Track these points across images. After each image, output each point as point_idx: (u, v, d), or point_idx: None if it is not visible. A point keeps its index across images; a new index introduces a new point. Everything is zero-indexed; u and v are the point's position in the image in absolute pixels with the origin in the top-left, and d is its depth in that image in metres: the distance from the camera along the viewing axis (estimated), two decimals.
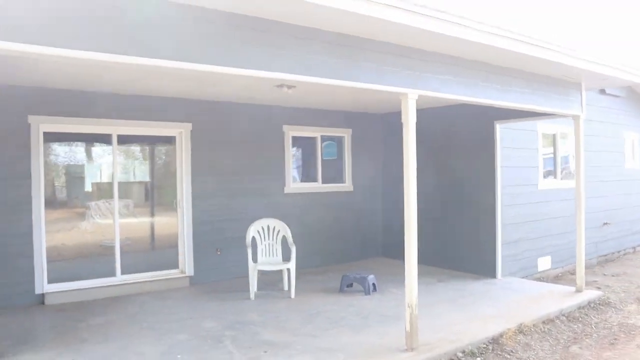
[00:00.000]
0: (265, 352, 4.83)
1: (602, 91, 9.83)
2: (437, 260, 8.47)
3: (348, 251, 9.13)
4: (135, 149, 7.59)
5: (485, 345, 5.10)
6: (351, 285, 7.05)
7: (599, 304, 6.65)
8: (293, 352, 4.81)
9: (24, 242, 6.40)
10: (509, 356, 4.97)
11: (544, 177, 8.49)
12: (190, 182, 7.48)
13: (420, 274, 7.99)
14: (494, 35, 4.78)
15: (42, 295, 6.51)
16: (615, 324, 6.01)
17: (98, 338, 5.25)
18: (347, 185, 9.19)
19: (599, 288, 7.55)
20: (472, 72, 5.38)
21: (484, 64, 5.51)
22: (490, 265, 7.72)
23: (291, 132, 8.44)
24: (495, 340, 5.21)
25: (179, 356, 4.76)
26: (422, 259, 8.71)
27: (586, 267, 9.02)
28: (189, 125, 7.43)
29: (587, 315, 6.25)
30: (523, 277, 7.92)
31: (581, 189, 6.88)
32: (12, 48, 2.85)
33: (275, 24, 3.88)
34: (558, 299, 6.55)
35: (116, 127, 6.97)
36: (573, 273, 8.71)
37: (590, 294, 6.80)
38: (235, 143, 7.88)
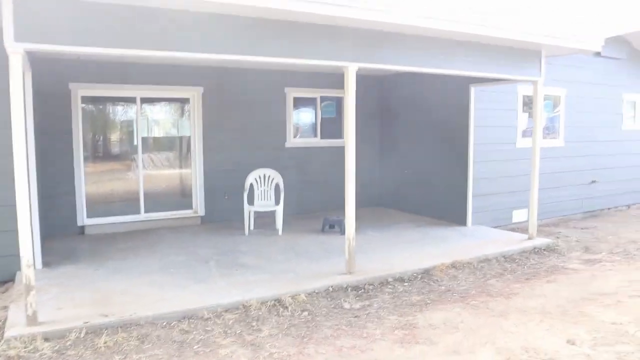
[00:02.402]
0: (237, 270, 6.22)
1: (597, 53, 10.26)
2: (421, 209, 9.61)
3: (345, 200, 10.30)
4: (156, 109, 9.02)
5: (416, 275, 6.24)
6: (333, 226, 8.28)
7: (544, 250, 7.56)
8: (257, 271, 6.16)
9: (68, 184, 8.02)
10: (433, 283, 6.10)
11: (523, 136, 9.24)
12: (202, 137, 8.86)
13: (405, 220, 9.28)
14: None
15: (83, 227, 8.17)
16: (547, 265, 6.96)
17: (120, 256, 6.85)
18: (344, 140, 10.27)
19: (557, 237, 8.42)
20: (416, 45, 6.31)
21: (433, 39, 6.42)
22: (461, 214, 8.74)
23: (292, 93, 9.64)
24: (426, 271, 6.34)
25: (172, 270, 6.23)
26: (409, 208, 9.99)
27: (567, 221, 9.91)
28: (200, 89, 8.75)
29: (526, 258, 7.22)
30: (495, 227, 8.86)
31: (537, 147, 7.68)
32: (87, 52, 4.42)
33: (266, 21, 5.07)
34: (506, 244, 7.53)
35: (139, 91, 8.39)
36: (549, 225, 9.60)
37: (540, 241, 7.71)
38: (241, 103, 9.16)
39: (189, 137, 8.97)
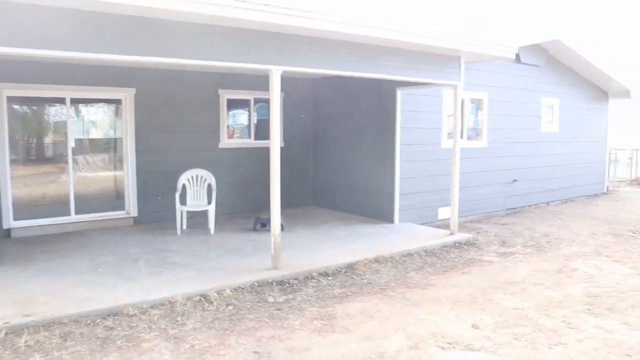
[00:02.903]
0: (166, 268, 6.32)
1: (518, 60, 10.91)
2: (351, 208, 9.95)
3: (280, 200, 10.55)
4: (88, 110, 8.96)
5: (340, 269, 6.53)
6: (265, 225, 8.47)
7: (464, 244, 8.03)
8: (187, 269, 6.29)
9: None
10: (356, 277, 6.40)
11: (448, 137, 9.73)
12: (135, 138, 8.86)
13: (335, 218, 9.56)
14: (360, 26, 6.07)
15: (9, 229, 8.01)
16: (465, 259, 7.41)
17: (47, 258, 6.79)
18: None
19: (478, 233, 8.94)
20: (341, 50, 6.60)
21: (357, 44, 6.73)
22: (389, 212, 9.12)
23: (226, 95, 9.77)
24: (350, 266, 6.64)
25: (100, 269, 6.26)
26: (340, 207, 10.29)
27: (490, 217, 10.47)
28: (133, 90, 8.75)
29: (447, 252, 7.65)
30: (421, 224, 9.28)
31: (457, 148, 8.14)
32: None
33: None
34: (429, 239, 7.94)
35: (69, 92, 8.32)
36: (472, 222, 10.14)
37: (461, 237, 8.17)
38: (175, 104, 9.22)
39: (122, 138, 8.95)
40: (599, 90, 13.62)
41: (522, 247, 8.12)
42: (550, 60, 11.86)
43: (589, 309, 5.37)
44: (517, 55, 10.51)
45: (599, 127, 13.86)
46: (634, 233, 9.17)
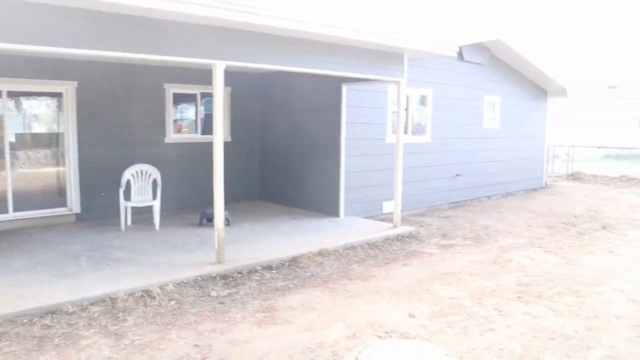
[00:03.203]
0: (108, 264, 6.26)
1: (461, 58, 11.26)
2: (298, 202, 10.06)
3: (226, 194, 10.54)
4: (28, 103, 8.69)
5: (284, 263, 6.62)
6: (211, 220, 8.45)
7: (406, 237, 8.27)
8: (130, 264, 6.24)
9: None
10: (299, 270, 6.51)
11: (393, 132, 9.95)
12: (77, 133, 8.67)
13: (281, 213, 9.64)
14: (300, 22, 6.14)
15: None
16: (407, 251, 7.64)
17: None
18: (225, 136, 10.51)
19: (421, 226, 9.20)
20: (283, 46, 6.66)
21: (302, 40, 6.80)
22: (334, 206, 9.28)
23: (172, 89, 9.68)
24: (294, 259, 6.74)
25: (39, 267, 6.13)
26: (287, 201, 10.38)
27: (434, 211, 10.76)
28: (74, 83, 8.55)
29: (389, 244, 7.86)
30: (367, 218, 9.49)
31: (400, 143, 8.35)
32: None
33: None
34: (372, 232, 8.12)
35: (5, 85, 8.05)
36: (416, 215, 10.42)
37: (403, 230, 8.41)
38: (119, 98, 9.06)
39: (63, 132, 8.74)
40: (538, 89, 14.20)
41: (461, 240, 8.42)
42: (492, 59, 12.28)
43: (519, 297, 5.67)
44: (461, 54, 10.88)
45: (538, 125, 14.45)
46: (567, 225, 9.66)
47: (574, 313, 5.21)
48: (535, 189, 14.54)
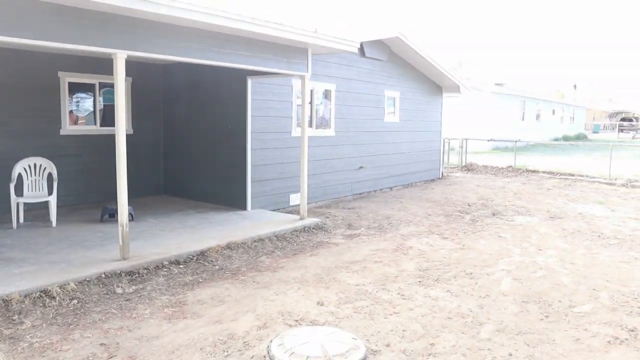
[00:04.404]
0: None
1: (363, 54, 11.62)
2: (203, 196, 9.95)
3: (129, 189, 10.16)
4: None
5: (191, 257, 6.54)
6: (113, 215, 8.15)
7: (314, 228, 8.45)
8: (24, 264, 5.87)
9: None
10: (208, 264, 6.47)
11: (298, 126, 10.09)
12: None
13: (187, 207, 9.47)
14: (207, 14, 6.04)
15: None
16: (314, 242, 7.81)
17: None
18: (127, 128, 10.14)
19: (327, 217, 9.44)
20: (188, 36, 6.54)
21: (205, 32, 6.71)
22: (242, 199, 9.27)
23: (67, 78, 9.16)
24: (202, 253, 6.68)
25: None
26: (193, 196, 10.23)
27: (338, 202, 11.03)
28: None
29: (297, 236, 8.00)
30: (274, 210, 9.57)
31: (305, 136, 8.49)
32: None
33: None
34: (280, 224, 8.22)
35: None
36: (322, 207, 10.65)
37: (310, 221, 8.58)
38: (7, 87, 8.43)
39: None
40: (435, 85, 14.98)
41: (366, 229, 8.75)
42: (392, 56, 12.79)
43: (420, 282, 6.01)
44: (362, 50, 11.23)
45: (435, 119, 15.26)
46: (462, 213, 10.32)
47: (468, 293, 5.62)
48: (433, 180, 15.36)
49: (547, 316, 5.00)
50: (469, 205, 11.17)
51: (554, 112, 39.32)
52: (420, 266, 6.65)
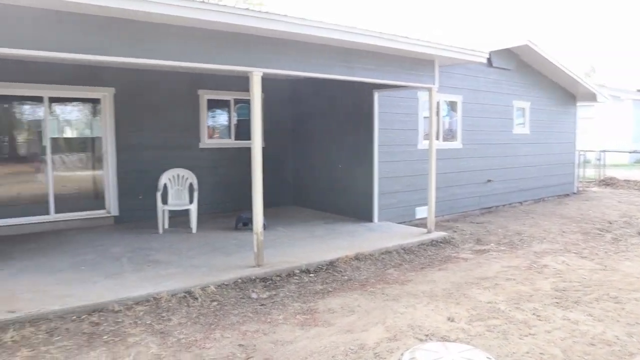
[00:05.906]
0: (149, 265, 6.41)
1: (489, 64, 11.25)
2: (330, 207, 10.15)
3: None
4: (67, 109, 8.96)
5: (321, 267, 6.69)
6: (247, 224, 8.59)
7: (441, 242, 8.27)
8: (169, 266, 6.38)
9: None
10: (337, 274, 6.57)
11: (425, 138, 9.97)
12: (115, 138, 8.90)
13: (315, 217, 9.75)
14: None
15: None
16: (442, 256, 7.64)
17: (26, 257, 6.81)
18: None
19: (454, 231, 9.19)
20: (319, 53, 6.76)
21: (334, 48, 6.90)
22: (368, 211, 9.33)
23: (206, 95, 9.88)
24: (331, 263, 6.80)
25: (82, 267, 6.32)
26: (321, 206, 10.48)
27: (466, 216, 10.73)
28: (112, 90, 8.79)
29: (424, 249, 7.87)
30: (400, 223, 9.51)
31: (433, 149, 8.37)
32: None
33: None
34: (407, 237, 8.15)
35: (47, 91, 8.33)
36: (449, 221, 10.40)
37: (437, 235, 8.41)
38: (155, 104, 9.29)
39: (101, 137, 8.98)
40: (567, 94, 14.07)
41: (495, 245, 8.39)
42: (520, 65, 12.23)
43: (557, 302, 5.63)
44: (489, 60, 10.87)
45: (568, 129, 14.31)
46: (601, 231, 9.54)
47: (613, 319, 5.16)
48: (567, 195, 14.38)
49: None
50: (610, 223, 10.29)
51: None
52: (556, 286, 6.23)
